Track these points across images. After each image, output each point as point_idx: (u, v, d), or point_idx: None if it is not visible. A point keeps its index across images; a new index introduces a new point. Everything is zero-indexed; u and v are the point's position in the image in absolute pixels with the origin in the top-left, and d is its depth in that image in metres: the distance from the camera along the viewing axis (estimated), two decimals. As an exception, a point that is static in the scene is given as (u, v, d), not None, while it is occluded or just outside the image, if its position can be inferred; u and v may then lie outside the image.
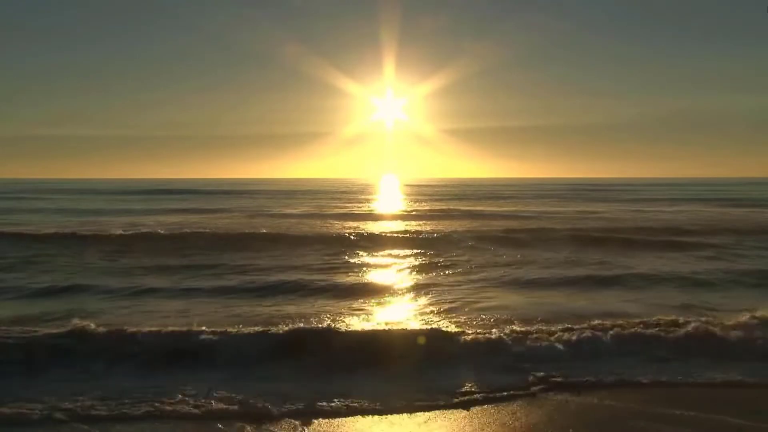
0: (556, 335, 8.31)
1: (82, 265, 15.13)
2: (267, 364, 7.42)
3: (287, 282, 12.84)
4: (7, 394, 6.44)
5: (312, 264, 15.54)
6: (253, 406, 6.20)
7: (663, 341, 8.09)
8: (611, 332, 8.36)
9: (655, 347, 7.98)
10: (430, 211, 36.59)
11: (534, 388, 6.85)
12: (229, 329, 8.21)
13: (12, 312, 10.12)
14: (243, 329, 8.30)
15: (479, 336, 8.30)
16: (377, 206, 42.73)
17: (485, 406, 6.41)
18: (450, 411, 6.31)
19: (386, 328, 9.06)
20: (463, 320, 9.67)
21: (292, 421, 6.01)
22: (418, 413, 6.24)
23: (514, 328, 8.88)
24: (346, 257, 16.77)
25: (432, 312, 10.39)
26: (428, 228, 24.82)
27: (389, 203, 47.49)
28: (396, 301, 11.44)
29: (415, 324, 9.52)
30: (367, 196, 60.10)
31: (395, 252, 17.78)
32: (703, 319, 8.97)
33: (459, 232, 22.17)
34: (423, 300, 11.41)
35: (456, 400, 6.52)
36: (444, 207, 40.87)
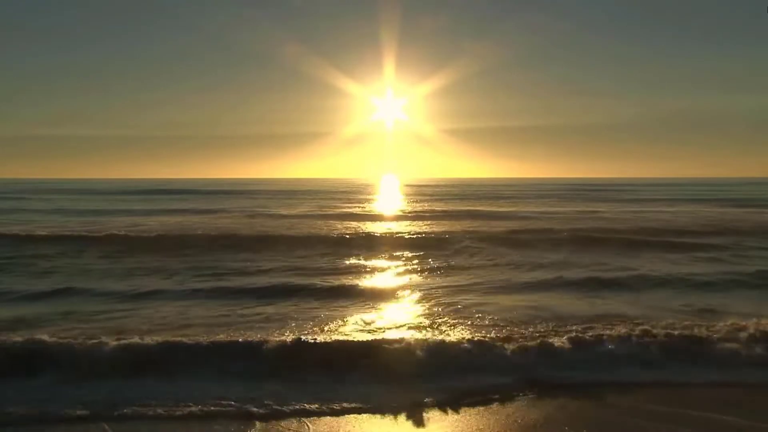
0: (554, 337, 8.32)
1: (79, 267, 15.07)
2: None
3: (284, 284, 12.75)
4: None
5: (312, 265, 15.51)
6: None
7: (663, 344, 8.06)
8: (610, 333, 8.35)
9: (654, 349, 7.95)
10: (430, 211, 36.59)
11: (533, 389, 6.85)
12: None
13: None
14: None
15: (477, 338, 8.30)
16: (377, 207, 42.72)
17: (484, 407, 6.41)
18: (449, 411, 6.32)
19: (374, 331, 9.06)
20: (457, 322, 9.67)
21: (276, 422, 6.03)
22: (417, 413, 6.25)
23: (514, 329, 8.89)
24: (345, 259, 16.73)
25: (428, 314, 10.39)
26: (428, 229, 24.84)
27: (389, 204, 47.48)
28: (387, 304, 11.39)
29: (409, 326, 9.52)
30: (366, 197, 60.10)
31: (392, 253, 17.71)
32: (703, 325, 8.94)
33: (459, 233, 22.16)
34: (417, 301, 11.39)
35: (453, 401, 6.53)
36: (444, 207, 40.88)
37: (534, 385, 6.94)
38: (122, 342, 7.76)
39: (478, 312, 10.20)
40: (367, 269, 15.05)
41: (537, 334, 8.60)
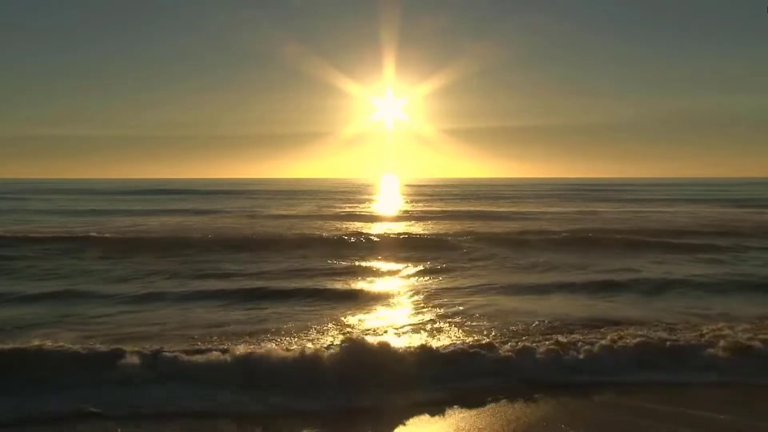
0: (552, 338, 8.34)
1: (78, 268, 14.99)
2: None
3: (281, 287, 12.63)
4: None
5: (310, 267, 15.45)
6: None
7: (661, 347, 8.04)
8: (609, 337, 8.35)
9: (654, 353, 7.93)
10: (430, 212, 36.65)
11: (533, 390, 6.86)
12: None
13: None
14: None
15: (478, 340, 8.30)
16: (377, 207, 42.75)
17: (484, 408, 6.42)
18: (450, 412, 6.33)
19: (374, 334, 9.05)
20: (457, 323, 9.69)
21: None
22: (418, 413, 6.26)
23: (512, 329, 8.87)
24: (345, 261, 16.71)
25: (428, 316, 10.40)
26: (428, 230, 24.86)
27: (389, 204, 47.52)
28: (387, 306, 11.40)
29: (409, 329, 9.54)
30: (366, 197, 60.11)
31: (393, 255, 17.68)
32: (705, 329, 8.91)
33: (459, 234, 22.17)
34: (417, 303, 11.39)
35: (453, 402, 6.54)
36: (445, 208, 40.94)
37: (534, 386, 6.95)
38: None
39: (478, 314, 10.22)
40: (368, 271, 14.95)
41: (538, 337, 8.63)
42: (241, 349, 7.49)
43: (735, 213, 33.77)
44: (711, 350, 7.86)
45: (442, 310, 10.49)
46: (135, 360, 7.12)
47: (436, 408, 6.38)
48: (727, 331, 8.57)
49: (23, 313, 10.26)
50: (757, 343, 7.94)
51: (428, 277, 14.01)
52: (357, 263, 15.85)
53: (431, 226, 26.24)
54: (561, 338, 8.25)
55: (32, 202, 47.01)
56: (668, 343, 8.01)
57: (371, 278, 13.98)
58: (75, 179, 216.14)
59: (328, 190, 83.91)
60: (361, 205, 43.95)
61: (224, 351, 7.45)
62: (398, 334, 9.03)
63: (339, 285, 12.94)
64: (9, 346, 7.55)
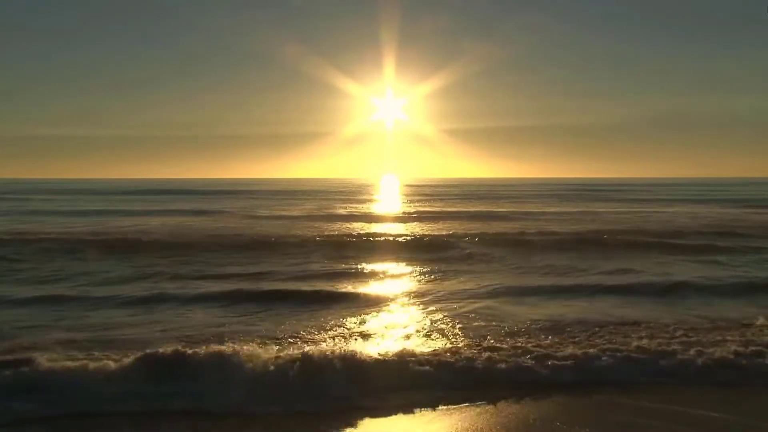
0: (552, 340, 8.36)
1: (77, 270, 14.95)
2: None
3: (280, 289, 12.47)
4: None
5: (309, 268, 15.43)
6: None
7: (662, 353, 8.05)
8: (608, 339, 8.39)
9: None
10: (430, 212, 36.69)
11: (533, 390, 6.89)
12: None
13: None
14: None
15: (480, 343, 8.34)
16: (377, 208, 42.79)
17: (484, 408, 6.45)
18: (450, 412, 6.36)
19: (375, 337, 9.08)
20: (459, 325, 9.73)
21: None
22: (419, 413, 6.30)
23: (510, 328, 8.89)
24: (345, 262, 16.70)
25: (428, 319, 10.43)
26: (428, 231, 24.87)
27: (389, 204, 47.55)
28: (388, 308, 11.40)
29: (410, 333, 9.58)
30: (366, 197, 60.12)
31: (393, 256, 17.68)
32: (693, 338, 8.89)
33: (459, 235, 22.16)
34: (417, 306, 11.40)
35: (454, 402, 6.58)
36: (445, 208, 40.96)
37: (534, 386, 6.98)
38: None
39: (478, 316, 10.26)
40: (368, 274, 14.89)
41: (537, 341, 8.66)
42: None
43: (735, 213, 33.79)
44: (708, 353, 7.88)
45: (440, 314, 10.42)
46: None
47: (437, 408, 6.40)
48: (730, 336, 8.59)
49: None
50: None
51: (427, 279, 14.04)
52: (356, 265, 15.79)
53: (431, 226, 26.25)
54: (561, 341, 8.29)
55: (33, 202, 47.00)
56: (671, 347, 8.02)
57: (370, 280, 13.93)
58: (75, 179, 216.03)
59: (328, 190, 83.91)
60: (361, 206, 43.97)
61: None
62: (399, 338, 9.06)
63: (337, 288, 12.82)
64: None
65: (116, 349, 7.92)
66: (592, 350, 7.80)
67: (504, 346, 8.07)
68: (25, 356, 7.28)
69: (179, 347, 7.41)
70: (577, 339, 8.54)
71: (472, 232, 22.75)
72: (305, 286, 12.76)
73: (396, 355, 7.53)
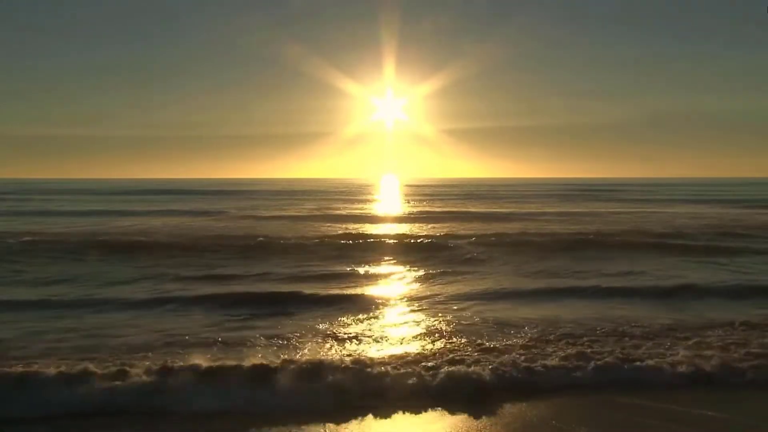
0: (548, 344, 8.37)
1: (76, 271, 14.92)
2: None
3: (279, 292, 12.42)
4: None
5: (308, 270, 15.42)
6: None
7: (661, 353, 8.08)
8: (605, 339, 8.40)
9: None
10: (430, 213, 36.69)
11: (533, 390, 6.90)
12: None
13: None
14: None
15: (482, 344, 8.34)
16: (377, 208, 42.81)
17: (484, 408, 6.45)
18: (450, 412, 6.37)
19: (375, 341, 9.08)
20: (459, 327, 9.73)
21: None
22: (419, 413, 6.31)
23: (509, 330, 8.90)
24: (345, 263, 16.68)
25: (428, 322, 10.43)
26: (428, 231, 24.86)
27: (389, 205, 47.56)
28: (388, 311, 11.42)
29: (410, 336, 9.58)
30: (367, 197, 60.12)
31: (394, 258, 17.59)
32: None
33: (459, 236, 22.17)
34: (417, 309, 11.38)
35: (454, 402, 6.58)
36: (445, 208, 40.95)
37: (533, 386, 6.99)
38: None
39: (478, 317, 10.27)
40: (369, 275, 14.83)
41: (537, 341, 8.66)
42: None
43: (734, 213, 33.79)
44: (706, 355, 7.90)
45: (441, 317, 10.41)
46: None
47: (437, 408, 6.42)
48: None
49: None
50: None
51: (428, 280, 14.04)
52: (356, 266, 15.74)
53: (431, 227, 26.24)
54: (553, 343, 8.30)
55: (33, 202, 47.02)
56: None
57: (370, 282, 13.90)
58: (76, 179, 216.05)
59: (329, 190, 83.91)
60: (362, 206, 43.98)
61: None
62: (399, 341, 9.07)
63: (336, 289, 12.77)
64: None
65: (116, 351, 7.96)
66: (591, 351, 7.84)
67: (503, 347, 8.09)
68: (25, 357, 7.29)
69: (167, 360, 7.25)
70: (576, 340, 8.54)
71: (473, 232, 22.75)
72: (305, 288, 12.75)
73: (396, 355, 7.54)
